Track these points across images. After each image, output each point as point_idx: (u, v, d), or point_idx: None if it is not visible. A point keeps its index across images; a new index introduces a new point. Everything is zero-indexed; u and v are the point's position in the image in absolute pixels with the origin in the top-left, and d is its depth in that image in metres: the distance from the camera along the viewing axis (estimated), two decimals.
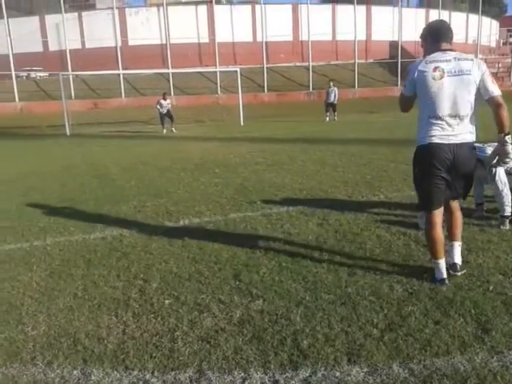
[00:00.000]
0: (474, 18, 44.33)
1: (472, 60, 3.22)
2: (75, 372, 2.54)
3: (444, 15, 39.64)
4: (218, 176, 7.98)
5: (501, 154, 3.28)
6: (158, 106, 17.66)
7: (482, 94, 3.18)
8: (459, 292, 3.25)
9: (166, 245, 4.52)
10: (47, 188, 7.56)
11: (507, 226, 4.57)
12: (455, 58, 3.19)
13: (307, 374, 2.43)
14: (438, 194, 3.30)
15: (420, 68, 3.22)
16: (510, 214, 4.62)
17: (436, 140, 3.19)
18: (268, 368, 2.50)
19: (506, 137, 3.15)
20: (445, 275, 3.38)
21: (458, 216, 3.56)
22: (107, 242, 4.69)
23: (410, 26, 39.42)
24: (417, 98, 3.35)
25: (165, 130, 17.29)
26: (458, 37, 43.58)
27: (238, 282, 3.58)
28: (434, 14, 40.03)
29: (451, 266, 3.50)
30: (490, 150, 4.28)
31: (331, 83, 19.84)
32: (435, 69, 3.16)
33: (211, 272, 3.81)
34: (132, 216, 5.59)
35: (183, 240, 4.63)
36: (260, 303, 3.22)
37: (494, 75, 37.94)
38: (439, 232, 3.37)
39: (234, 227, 4.98)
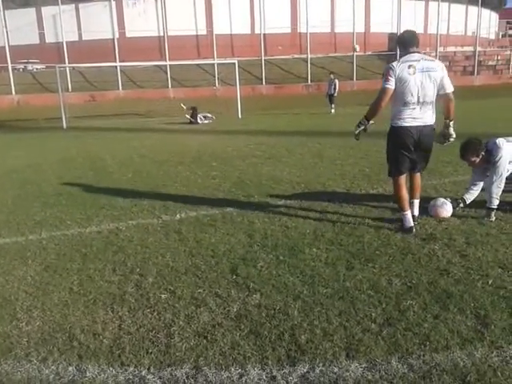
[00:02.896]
0: (473, 9, 44.10)
1: (434, 61, 4.28)
2: (70, 368, 2.51)
3: (443, 7, 39.45)
4: (216, 169, 7.93)
5: (445, 135, 4.39)
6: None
7: (439, 89, 4.17)
8: (458, 286, 3.22)
9: (163, 238, 4.48)
10: (43, 181, 7.50)
11: (492, 219, 4.55)
12: (422, 58, 4.16)
13: (305, 370, 2.40)
14: (405, 164, 4.34)
15: (398, 66, 4.12)
16: (495, 207, 4.59)
17: (406, 123, 4.18)
18: (265, 364, 2.47)
19: (451, 122, 4.35)
20: (412, 223, 4.34)
21: (417, 181, 4.60)
22: (103, 235, 4.65)
23: (409, 18, 39.27)
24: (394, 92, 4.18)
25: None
26: (457, 29, 43.52)
27: (235, 276, 3.55)
28: (434, 6, 39.80)
29: (413, 217, 4.43)
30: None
31: (332, 75, 20.05)
32: (409, 67, 4.09)
33: (208, 266, 3.78)
34: (128, 209, 5.55)
35: (180, 234, 4.59)
36: (257, 297, 3.19)
37: (493, 67, 37.93)
38: (404, 191, 4.40)
39: (232, 220, 4.94)
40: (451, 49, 38.73)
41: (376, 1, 42.46)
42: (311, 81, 34.92)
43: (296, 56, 37.73)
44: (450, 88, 4.21)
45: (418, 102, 4.13)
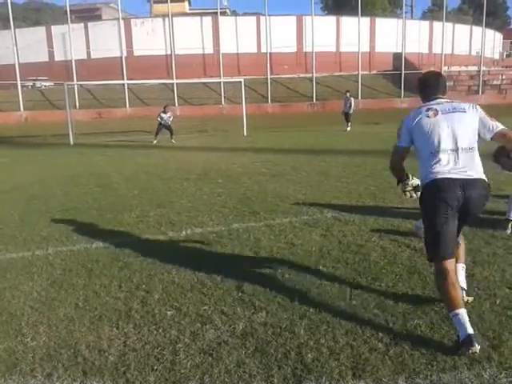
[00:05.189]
0: (477, 30, 44.46)
1: (465, 102, 3.17)
2: None
3: (448, 27, 39.84)
4: (221, 186, 7.96)
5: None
6: (159, 119, 17.41)
7: (483, 135, 3.04)
8: (465, 306, 3.19)
9: (169, 255, 4.48)
10: (50, 197, 7.55)
11: (509, 231, 4.57)
12: (447, 101, 3.17)
13: None
14: (448, 235, 2.94)
15: (412, 116, 3.17)
16: None
17: (441, 175, 2.96)
18: (271, 382, 2.45)
19: None
20: (470, 330, 2.68)
21: (463, 246, 3.40)
22: (109, 251, 4.66)
23: (414, 37, 39.64)
24: (414, 146, 3.19)
25: (155, 141, 16.97)
26: (461, 49, 43.82)
27: (240, 294, 3.54)
28: (438, 26, 40.20)
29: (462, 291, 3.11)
30: None
31: (347, 93, 20.27)
32: (428, 109, 3.12)
33: (214, 283, 3.77)
34: (134, 225, 5.57)
35: (186, 250, 4.59)
36: (263, 315, 3.18)
37: (498, 87, 38.07)
38: (456, 283, 2.89)
39: (237, 237, 4.95)
40: (456, 68, 38.96)
41: (381, 21, 42.94)
42: (316, 99, 35.14)
43: (301, 75, 38.05)
44: (498, 125, 3.03)
45: (450, 149, 3.00)
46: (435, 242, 2.96)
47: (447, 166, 2.98)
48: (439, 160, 3.00)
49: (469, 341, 2.61)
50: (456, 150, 3.00)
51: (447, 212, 2.92)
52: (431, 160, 3.04)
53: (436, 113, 3.08)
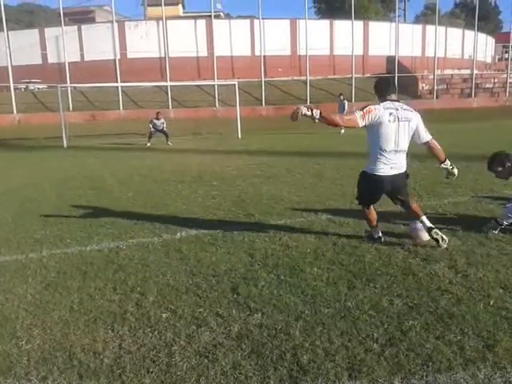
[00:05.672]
0: (469, 34, 44.78)
1: (412, 111, 4.33)
2: None
3: (440, 31, 40.08)
4: (216, 188, 7.95)
5: (449, 174, 4.55)
6: (151, 125, 17.33)
7: (415, 140, 4.37)
8: (460, 306, 3.22)
9: (163, 257, 4.48)
10: (43, 199, 7.51)
11: (495, 232, 4.67)
12: (401, 107, 4.26)
13: None
14: (375, 201, 4.62)
15: (381, 113, 4.14)
16: (503, 226, 4.68)
17: (381, 172, 4.28)
18: (267, 383, 2.45)
19: (445, 163, 4.49)
20: (380, 234, 4.65)
21: (415, 209, 4.52)
22: (104, 254, 4.64)
23: (407, 41, 39.85)
24: (369, 133, 4.31)
25: (148, 144, 16.96)
26: (454, 52, 44.11)
27: (236, 296, 3.54)
28: (431, 30, 40.46)
29: (429, 229, 4.38)
30: None
31: (341, 96, 20.35)
32: (390, 114, 4.16)
33: (209, 285, 3.77)
34: (129, 228, 5.55)
35: (180, 252, 4.59)
36: (259, 317, 3.18)
37: (490, 90, 38.34)
38: (373, 213, 4.65)
39: (232, 239, 4.95)
40: (448, 71, 39.20)
41: (374, 24, 43.17)
42: (310, 102, 35.19)
43: (295, 78, 38.13)
44: (427, 137, 4.39)
45: (395, 150, 4.23)
46: (366, 202, 4.64)
47: (387, 164, 4.25)
48: (383, 158, 4.24)
49: (379, 239, 4.61)
50: (397, 151, 4.25)
51: (378, 193, 4.52)
52: (377, 156, 4.26)
53: (395, 119, 4.17)
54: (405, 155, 4.36)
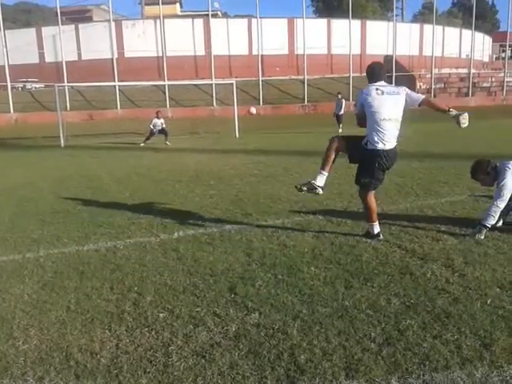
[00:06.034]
0: (467, 33, 44.89)
1: (398, 87, 4.60)
2: None
3: (438, 30, 40.14)
4: (213, 188, 7.95)
5: (459, 122, 4.43)
6: (152, 126, 17.30)
7: (412, 105, 4.54)
8: (457, 305, 3.22)
9: (161, 257, 4.47)
10: (40, 199, 7.49)
11: (482, 236, 4.61)
12: (389, 86, 4.59)
13: None
14: (379, 180, 4.66)
15: (365, 91, 4.53)
16: (489, 227, 4.67)
17: (379, 146, 4.45)
18: (265, 383, 2.45)
19: (451, 111, 4.47)
20: (379, 230, 4.73)
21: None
22: (101, 254, 4.63)
23: (405, 40, 39.94)
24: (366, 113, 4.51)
25: (142, 144, 16.92)
26: (451, 51, 44.17)
27: (233, 295, 3.53)
28: (428, 29, 40.52)
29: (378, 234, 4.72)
30: None
31: (339, 95, 20.34)
32: (377, 89, 4.47)
33: (206, 285, 3.76)
34: (126, 227, 5.54)
35: (178, 252, 4.58)
36: (256, 317, 3.17)
37: (487, 89, 38.43)
38: (374, 204, 4.74)
39: (229, 239, 4.94)
40: (446, 70, 39.28)
41: (372, 23, 43.23)
42: (308, 101, 35.26)
43: (293, 77, 38.16)
44: (420, 96, 4.64)
45: (389, 118, 4.43)
46: (375, 183, 4.68)
47: (383, 137, 4.42)
48: (378, 130, 4.42)
49: (378, 235, 4.71)
50: (390, 119, 4.43)
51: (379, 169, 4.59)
52: (373, 128, 4.44)
53: (382, 92, 4.45)
54: (397, 129, 4.53)
